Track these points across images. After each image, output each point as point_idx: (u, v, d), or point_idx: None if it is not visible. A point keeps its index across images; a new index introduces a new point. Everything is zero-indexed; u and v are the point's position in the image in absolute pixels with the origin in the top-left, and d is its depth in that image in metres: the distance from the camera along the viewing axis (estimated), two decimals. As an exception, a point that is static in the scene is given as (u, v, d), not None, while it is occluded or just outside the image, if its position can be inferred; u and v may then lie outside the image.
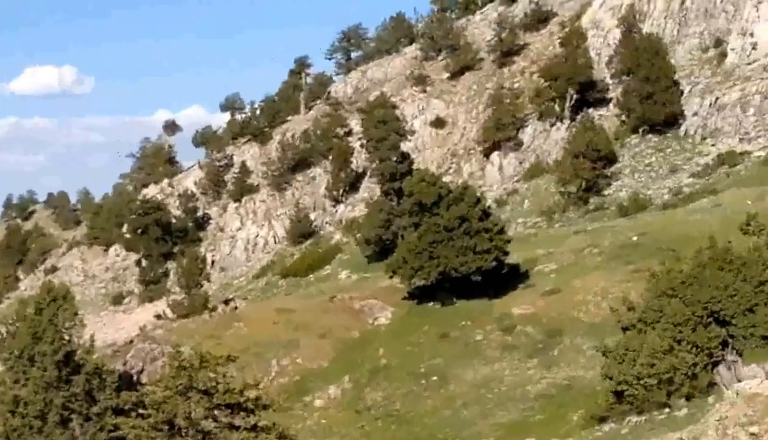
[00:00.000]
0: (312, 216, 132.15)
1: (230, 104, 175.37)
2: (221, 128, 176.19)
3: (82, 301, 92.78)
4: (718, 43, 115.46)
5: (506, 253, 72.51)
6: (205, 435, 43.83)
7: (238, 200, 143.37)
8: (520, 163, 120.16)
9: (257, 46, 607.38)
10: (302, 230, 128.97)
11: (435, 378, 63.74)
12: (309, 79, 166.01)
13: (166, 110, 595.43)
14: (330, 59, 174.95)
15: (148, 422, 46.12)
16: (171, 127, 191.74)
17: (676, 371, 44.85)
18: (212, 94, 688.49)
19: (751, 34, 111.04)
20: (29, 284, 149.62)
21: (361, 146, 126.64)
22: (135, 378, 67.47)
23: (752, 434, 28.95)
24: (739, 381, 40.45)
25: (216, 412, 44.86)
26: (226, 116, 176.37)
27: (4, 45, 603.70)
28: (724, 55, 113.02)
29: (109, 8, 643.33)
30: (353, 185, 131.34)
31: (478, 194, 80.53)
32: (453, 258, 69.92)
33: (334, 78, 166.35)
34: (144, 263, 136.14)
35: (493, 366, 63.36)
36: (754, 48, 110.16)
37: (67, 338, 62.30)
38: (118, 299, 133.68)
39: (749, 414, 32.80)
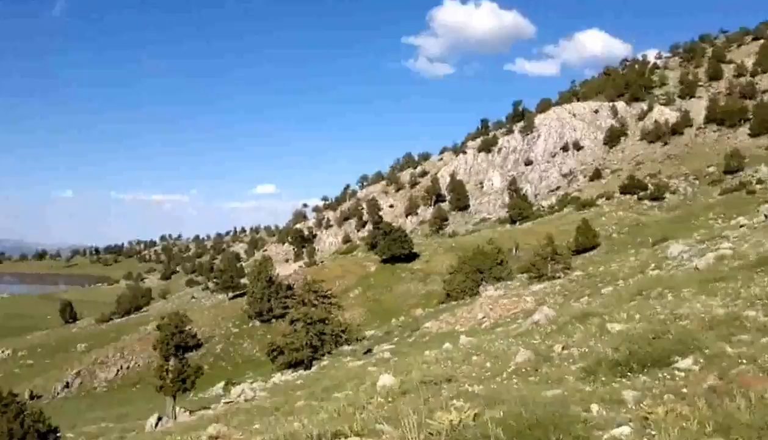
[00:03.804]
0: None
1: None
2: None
3: (275, 260, 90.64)
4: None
5: (412, 248, 71.37)
6: (314, 305, 43.24)
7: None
8: (419, 221, 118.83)
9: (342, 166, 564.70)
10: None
11: (389, 287, 63.30)
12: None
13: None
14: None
15: (295, 300, 47.42)
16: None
17: (467, 287, 45.47)
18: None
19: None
20: (255, 257, 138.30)
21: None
22: (293, 286, 67.32)
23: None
24: (486, 290, 41.26)
25: (318, 297, 45.33)
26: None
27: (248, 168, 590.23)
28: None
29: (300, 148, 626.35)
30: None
31: (405, 229, 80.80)
32: (395, 249, 69.19)
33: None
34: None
35: (408, 285, 62.97)
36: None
37: (269, 272, 63.75)
38: (288, 260, 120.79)
39: (488, 302, 31.98)
